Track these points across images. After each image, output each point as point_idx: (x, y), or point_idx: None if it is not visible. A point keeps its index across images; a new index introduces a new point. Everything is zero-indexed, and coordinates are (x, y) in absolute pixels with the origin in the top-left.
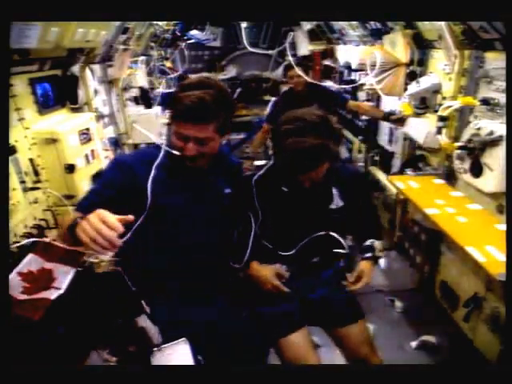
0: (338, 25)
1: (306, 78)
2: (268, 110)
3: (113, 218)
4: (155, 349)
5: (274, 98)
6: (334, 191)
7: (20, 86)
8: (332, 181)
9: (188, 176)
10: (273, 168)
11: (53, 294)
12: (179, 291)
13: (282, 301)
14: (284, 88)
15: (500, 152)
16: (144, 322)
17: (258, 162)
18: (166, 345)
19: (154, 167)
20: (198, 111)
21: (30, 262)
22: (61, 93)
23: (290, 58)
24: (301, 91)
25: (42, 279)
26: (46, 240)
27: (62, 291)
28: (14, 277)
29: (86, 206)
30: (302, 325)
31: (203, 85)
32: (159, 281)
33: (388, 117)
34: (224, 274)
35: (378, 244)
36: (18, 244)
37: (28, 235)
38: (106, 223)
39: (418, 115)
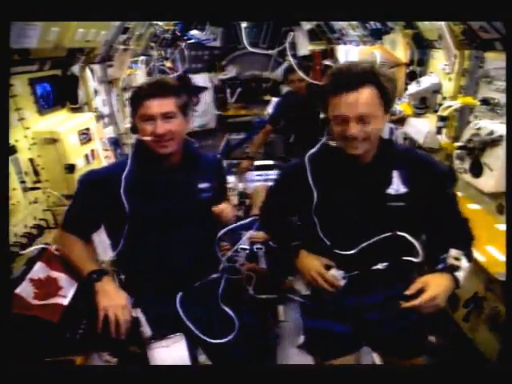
0: (338, 25)
1: (308, 79)
2: (270, 111)
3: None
4: (152, 341)
5: (275, 99)
6: (395, 174)
7: (20, 86)
8: (393, 162)
9: (158, 177)
10: (326, 144)
11: (63, 301)
12: (160, 289)
13: (337, 319)
14: (285, 88)
15: (500, 152)
16: (137, 313)
17: (258, 162)
18: (164, 338)
19: (123, 178)
20: (159, 85)
21: (39, 270)
22: (61, 93)
23: (291, 59)
24: (302, 94)
25: (50, 286)
26: (51, 249)
27: (69, 299)
28: (26, 282)
29: (73, 225)
30: (355, 350)
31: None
32: (144, 279)
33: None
34: (208, 270)
35: (453, 252)
36: (24, 252)
37: (28, 235)
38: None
39: (417, 115)
